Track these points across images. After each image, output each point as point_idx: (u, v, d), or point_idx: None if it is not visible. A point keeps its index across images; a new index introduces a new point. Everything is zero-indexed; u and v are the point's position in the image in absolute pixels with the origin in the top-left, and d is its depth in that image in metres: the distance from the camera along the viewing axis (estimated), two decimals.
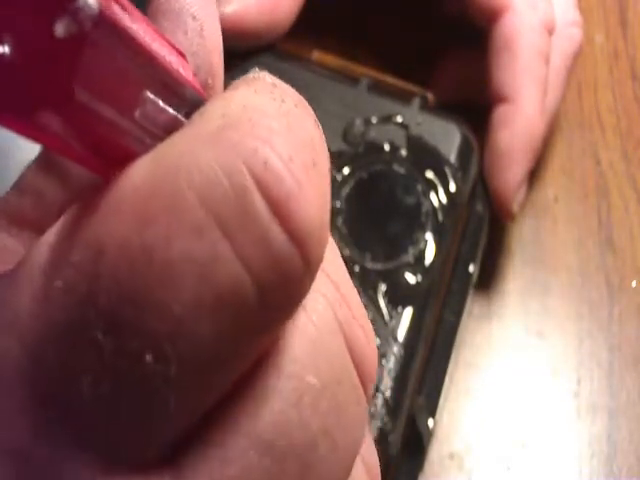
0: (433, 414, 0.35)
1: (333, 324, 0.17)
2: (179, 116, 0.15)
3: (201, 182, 0.13)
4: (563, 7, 0.42)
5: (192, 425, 0.15)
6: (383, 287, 0.34)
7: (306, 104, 0.16)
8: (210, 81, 0.18)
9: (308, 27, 0.41)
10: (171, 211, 0.13)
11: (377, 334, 0.33)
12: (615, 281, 0.42)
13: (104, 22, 0.12)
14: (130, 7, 0.14)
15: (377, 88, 0.38)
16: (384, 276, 0.34)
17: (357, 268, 0.34)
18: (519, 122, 0.38)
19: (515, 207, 0.39)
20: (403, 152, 0.36)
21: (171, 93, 0.15)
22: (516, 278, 0.42)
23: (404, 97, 0.38)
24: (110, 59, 0.13)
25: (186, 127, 0.15)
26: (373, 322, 0.33)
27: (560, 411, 0.39)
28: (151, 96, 0.14)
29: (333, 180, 0.36)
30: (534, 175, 0.43)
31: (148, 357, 0.14)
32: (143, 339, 0.14)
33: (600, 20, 0.50)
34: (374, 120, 0.37)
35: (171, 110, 0.15)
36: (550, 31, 0.40)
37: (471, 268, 0.38)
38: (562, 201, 0.44)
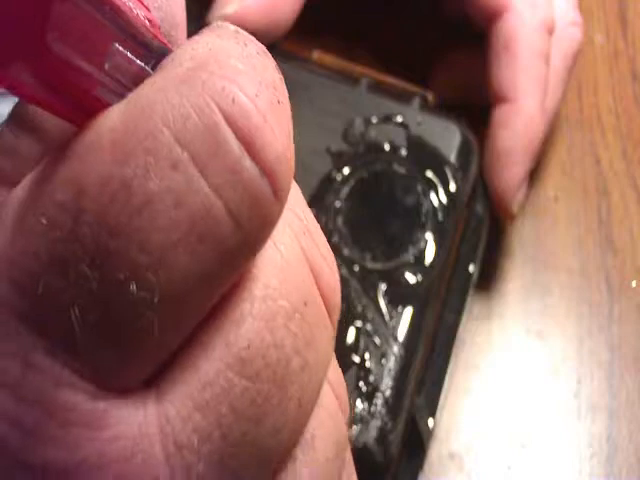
0: (433, 414, 0.35)
1: (299, 253, 0.18)
2: (147, 67, 0.16)
3: (174, 119, 0.14)
4: (563, 7, 0.42)
5: (173, 350, 0.16)
6: (383, 287, 0.34)
7: (267, 52, 0.17)
8: (173, 33, 0.19)
9: (308, 27, 0.41)
10: (147, 147, 0.14)
11: (377, 334, 0.33)
12: (615, 281, 0.42)
13: None
14: None
15: (377, 88, 0.38)
16: (384, 276, 0.34)
17: (357, 268, 0.34)
18: (519, 122, 0.38)
19: (515, 207, 0.39)
20: (403, 152, 0.36)
21: (139, 45, 0.16)
22: (516, 278, 0.42)
23: (404, 97, 0.38)
24: (80, 11, 0.13)
25: (158, 71, 0.16)
26: (373, 322, 0.33)
27: (560, 411, 0.39)
28: (120, 48, 0.15)
29: (333, 180, 0.36)
30: (534, 175, 0.43)
31: (132, 286, 0.15)
32: (127, 269, 0.15)
33: (600, 20, 0.50)
34: (374, 120, 0.37)
35: (139, 61, 0.16)
36: (550, 31, 0.40)
37: (471, 268, 0.38)
38: (562, 201, 0.44)
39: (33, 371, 0.15)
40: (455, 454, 0.38)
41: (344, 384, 0.21)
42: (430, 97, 0.39)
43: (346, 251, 0.34)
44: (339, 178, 0.36)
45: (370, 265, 0.34)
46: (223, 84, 0.15)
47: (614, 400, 0.39)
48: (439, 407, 0.36)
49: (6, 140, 0.18)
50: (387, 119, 0.37)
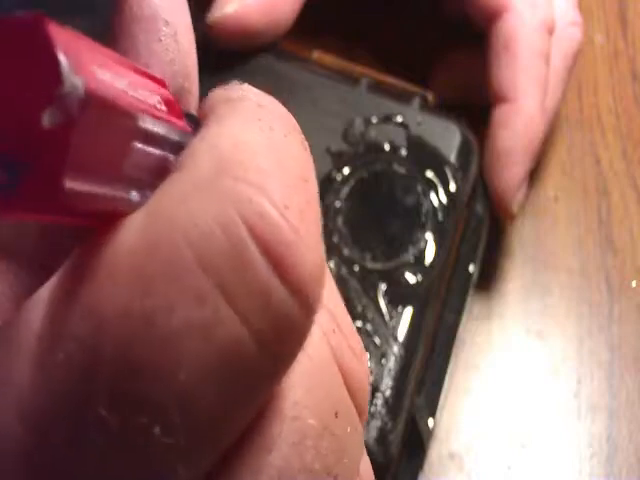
0: (433, 414, 0.35)
1: (328, 355, 0.17)
2: (167, 155, 0.15)
3: (198, 238, 0.13)
4: (563, 7, 0.42)
5: None
6: (383, 287, 0.34)
7: (293, 122, 0.16)
8: (187, 85, 0.18)
9: (308, 27, 0.41)
10: (170, 276, 0.13)
11: (377, 334, 0.33)
12: (615, 281, 0.42)
13: (91, 101, 0.12)
14: (105, 54, 0.13)
15: (377, 88, 0.38)
16: (384, 276, 0.34)
17: (357, 268, 0.34)
18: (519, 122, 0.38)
19: (515, 207, 0.39)
20: (403, 152, 0.36)
21: (157, 139, 0.14)
22: (516, 278, 0.42)
23: (404, 97, 0.38)
24: (98, 132, 0.12)
25: (177, 173, 0.14)
26: (373, 322, 0.33)
27: (560, 411, 0.39)
28: (138, 146, 0.14)
29: (333, 180, 0.36)
30: (534, 175, 0.43)
31: (156, 430, 0.13)
32: (150, 412, 0.13)
33: (600, 20, 0.50)
34: (374, 120, 0.37)
35: (158, 151, 0.14)
36: (550, 31, 0.40)
37: (471, 268, 0.38)
38: (562, 201, 0.44)
39: None
40: (455, 454, 0.38)
41: (371, 471, 0.19)
42: (430, 97, 0.39)
43: (346, 251, 0.34)
44: (339, 178, 0.36)
45: (370, 265, 0.34)
46: (250, 195, 0.13)
47: (614, 400, 0.39)
48: (439, 407, 0.36)
49: None
50: (387, 119, 0.37)
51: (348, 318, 0.18)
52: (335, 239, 0.34)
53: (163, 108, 0.15)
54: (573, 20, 0.42)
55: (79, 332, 0.13)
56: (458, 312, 0.37)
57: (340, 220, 0.35)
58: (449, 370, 0.36)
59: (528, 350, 0.40)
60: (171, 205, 0.14)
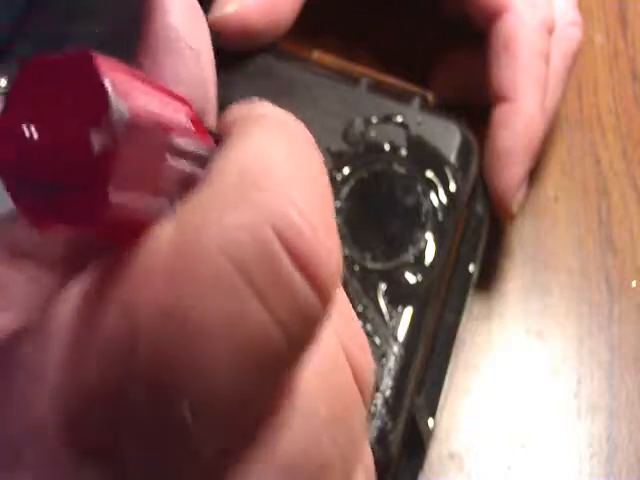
0: (433, 414, 0.35)
1: (337, 348, 0.18)
2: (195, 169, 0.16)
3: (230, 245, 0.14)
4: (563, 7, 0.42)
5: (221, 469, 0.16)
6: (383, 287, 0.34)
7: (311, 138, 0.17)
8: (208, 107, 0.19)
9: (308, 27, 0.41)
10: (203, 274, 0.14)
11: (377, 334, 0.33)
12: (615, 281, 0.42)
13: (135, 123, 0.13)
14: (138, 77, 0.14)
15: (377, 88, 0.38)
16: (384, 276, 0.34)
17: (357, 268, 0.34)
18: (519, 122, 0.38)
19: (515, 207, 0.39)
20: (403, 152, 0.36)
21: (187, 151, 0.15)
22: (516, 278, 0.42)
23: (404, 97, 0.38)
24: (138, 151, 0.13)
25: (204, 185, 0.15)
26: (373, 322, 0.33)
27: (560, 411, 0.39)
28: (171, 161, 0.15)
29: (333, 180, 0.36)
30: (534, 175, 0.43)
31: (188, 418, 0.14)
32: (183, 402, 0.14)
33: (600, 20, 0.50)
34: (374, 120, 0.37)
35: (187, 166, 0.15)
36: (550, 31, 0.40)
37: (471, 268, 0.38)
38: (562, 201, 0.44)
39: None
40: (455, 454, 0.38)
41: (372, 460, 0.20)
42: (430, 97, 0.39)
43: (346, 251, 0.34)
44: (339, 178, 0.36)
45: (370, 265, 0.34)
46: (274, 201, 0.15)
47: (614, 400, 0.39)
48: (439, 407, 0.36)
49: None
50: (387, 119, 0.37)
51: (354, 316, 0.20)
52: None
53: (190, 125, 0.16)
54: (573, 20, 0.42)
55: (113, 329, 0.14)
56: (458, 312, 0.37)
57: (340, 220, 0.35)
58: (449, 370, 0.36)
59: (528, 350, 0.40)
60: (202, 213, 0.15)
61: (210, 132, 0.17)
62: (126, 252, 0.15)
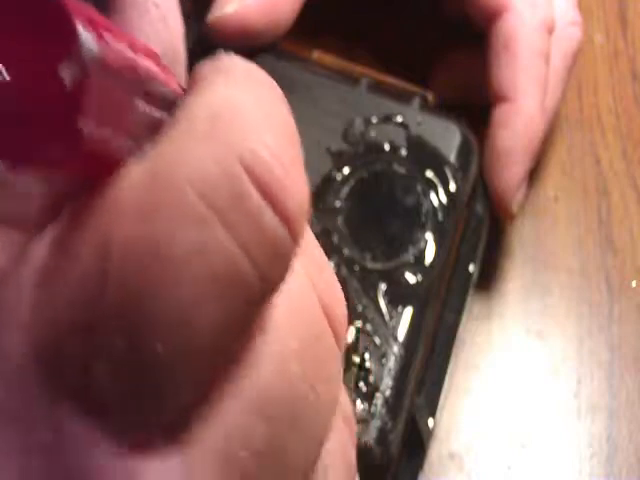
0: (433, 414, 0.35)
1: (307, 283, 0.18)
2: (163, 114, 0.16)
3: (199, 178, 0.14)
4: (563, 7, 0.42)
5: (196, 401, 0.16)
6: (383, 287, 0.34)
7: (278, 90, 0.17)
8: (177, 68, 0.19)
9: (308, 27, 0.41)
10: (174, 207, 0.14)
11: (377, 334, 0.33)
12: (615, 281, 0.42)
13: (103, 56, 0.13)
14: (108, 24, 0.14)
15: (377, 88, 0.38)
16: (384, 276, 0.34)
17: (357, 268, 0.34)
18: (519, 122, 0.38)
19: (515, 207, 0.39)
20: (403, 152, 0.36)
21: (156, 94, 0.16)
22: (516, 278, 0.42)
23: (404, 97, 0.38)
24: (108, 88, 0.14)
25: (176, 125, 0.15)
26: (373, 322, 0.33)
27: (560, 411, 0.39)
28: (140, 102, 0.15)
29: (333, 180, 0.36)
30: (534, 175, 0.43)
31: (159, 347, 0.14)
32: (154, 333, 0.14)
33: (600, 20, 0.50)
34: (374, 120, 0.37)
35: (156, 109, 0.16)
36: (550, 31, 0.40)
37: (471, 268, 0.38)
38: (562, 201, 0.44)
39: (64, 436, 0.15)
40: (455, 454, 0.38)
41: (351, 408, 0.21)
42: (430, 97, 0.39)
43: (346, 251, 0.34)
44: (339, 178, 0.36)
45: (370, 265, 0.34)
46: (244, 138, 0.15)
47: (614, 400, 0.39)
48: (439, 407, 0.36)
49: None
50: (387, 119, 0.37)
51: (319, 248, 0.20)
52: (335, 239, 0.34)
53: (159, 71, 0.16)
54: (573, 20, 0.42)
55: (84, 261, 0.14)
56: (458, 312, 0.37)
57: (340, 220, 0.35)
58: (449, 370, 0.36)
59: (528, 350, 0.40)
60: (172, 150, 0.15)
61: (179, 86, 0.17)
62: (97, 191, 0.15)
